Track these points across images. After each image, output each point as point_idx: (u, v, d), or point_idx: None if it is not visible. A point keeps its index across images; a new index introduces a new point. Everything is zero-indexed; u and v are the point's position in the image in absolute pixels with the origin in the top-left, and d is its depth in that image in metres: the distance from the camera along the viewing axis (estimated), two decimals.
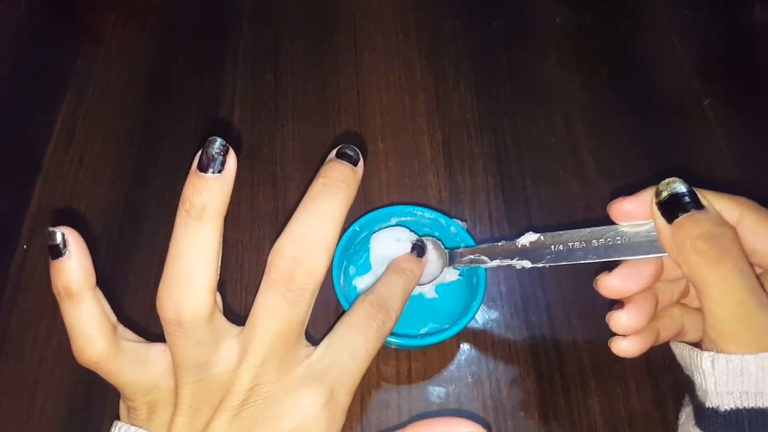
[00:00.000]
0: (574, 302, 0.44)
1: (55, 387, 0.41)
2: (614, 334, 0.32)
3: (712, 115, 0.54)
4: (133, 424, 0.26)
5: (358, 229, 0.41)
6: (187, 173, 0.25)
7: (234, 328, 0.27)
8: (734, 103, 0.55)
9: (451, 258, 0.39)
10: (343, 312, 0.38)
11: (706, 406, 0.27)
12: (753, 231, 0.28)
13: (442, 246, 0.39)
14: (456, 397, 0.41)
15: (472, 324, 0.44)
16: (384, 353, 0.42)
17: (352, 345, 0.27)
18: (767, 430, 0.26)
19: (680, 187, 0.29)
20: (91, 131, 0.52)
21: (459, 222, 0.42)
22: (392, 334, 0.37)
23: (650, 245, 0.30)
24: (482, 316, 0.44)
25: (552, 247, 0.34)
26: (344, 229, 0.41)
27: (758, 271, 0.30)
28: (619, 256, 0.31)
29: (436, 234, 0.43)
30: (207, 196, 0.24)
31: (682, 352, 0.30)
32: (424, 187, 0.50)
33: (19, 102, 0.54)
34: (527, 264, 0.35)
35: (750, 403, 0.26)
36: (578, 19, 0.61)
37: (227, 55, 0.57)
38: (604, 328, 0.43)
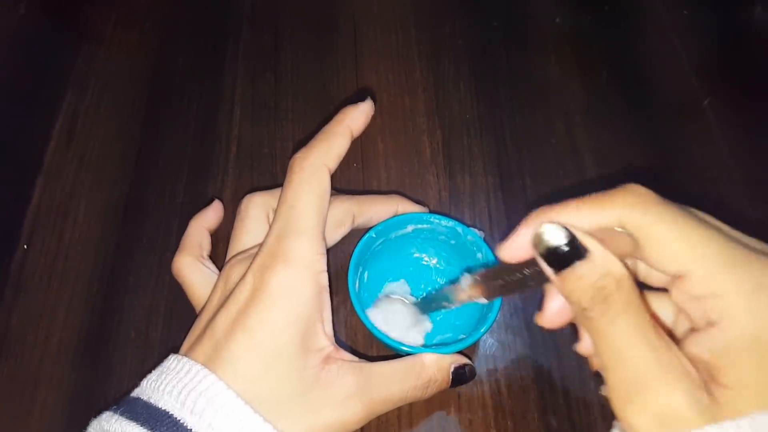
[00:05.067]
0: None
1: (56, 388, 0.41)
2: None
3: (711, 115, 0.54)
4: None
5: (374, 235, 0.40)
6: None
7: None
8: (734, 103, 0.55)
9: (422, 307, 0.40)
10: (355, 315, 0.39)
11: None
12: (636, 239, 0.27)
13: (407, 302, 0.41)
14: (455, 396, 0.41)
15: None
16: (383, 352, 0.42)
17: None
18: None
19: (557, 238, 0.26)
20: (92, 131, 0.52)
21: (476, 231, 0.41)
22: (403, 343, 0.37)
23: None
24: None
25: (499, 280, 0.32)
26: (360, 236, 0.40)
27: (665, 278, 0.28)
28: None
29: (452, 242, 0.42)
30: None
31: None
32: (423, 187, 0.50)
33: (19, 102, 0.54)
34: (483, 300, 0.34)
35: None
36: (578, 19, 0.61)
37: (227, 55, 0.57)
38: None
